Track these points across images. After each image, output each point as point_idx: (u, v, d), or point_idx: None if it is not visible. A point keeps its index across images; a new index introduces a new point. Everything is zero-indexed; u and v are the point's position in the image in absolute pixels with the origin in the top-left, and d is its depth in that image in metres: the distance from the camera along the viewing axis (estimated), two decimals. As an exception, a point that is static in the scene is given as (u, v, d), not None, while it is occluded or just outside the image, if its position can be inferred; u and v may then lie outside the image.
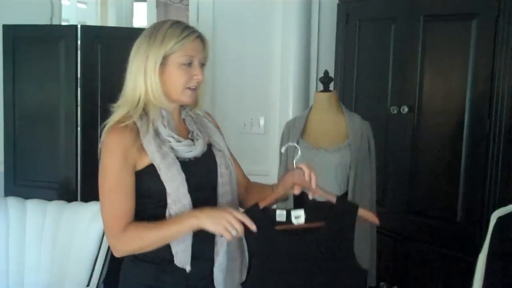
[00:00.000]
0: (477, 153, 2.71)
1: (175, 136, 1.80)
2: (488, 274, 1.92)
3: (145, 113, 1.80)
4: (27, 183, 3.33)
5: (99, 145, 1.78)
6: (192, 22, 4.00)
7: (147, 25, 6.70)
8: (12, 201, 3.07)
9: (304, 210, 1.75)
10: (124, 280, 1.90)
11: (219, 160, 1.89)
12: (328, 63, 3.56)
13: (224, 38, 3.97)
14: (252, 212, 1.72)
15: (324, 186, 2.55)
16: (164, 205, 1.75)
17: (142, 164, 1.76)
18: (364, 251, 2.54)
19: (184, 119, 1.92)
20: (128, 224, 1.73)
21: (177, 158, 1.78)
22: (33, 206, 3.06)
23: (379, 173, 2.74)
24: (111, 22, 4.84)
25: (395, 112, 3.01)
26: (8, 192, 3.39)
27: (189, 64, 1.80)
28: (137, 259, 1.82)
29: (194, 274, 1.80)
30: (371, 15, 3.28)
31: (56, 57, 3.26)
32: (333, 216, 1.75)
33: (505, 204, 2.35)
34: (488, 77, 2.64)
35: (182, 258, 1.77)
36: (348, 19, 3.34)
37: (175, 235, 1.72)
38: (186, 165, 1.79)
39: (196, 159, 1.83)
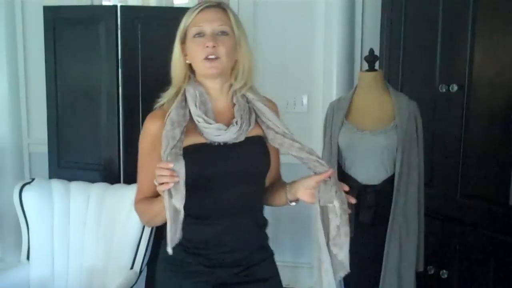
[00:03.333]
0: (531, 134, 2.59)
1: (205, 117, 1.75)
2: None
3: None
4: (71, 165, 3.35)
5: None
6: (233, 1, 3.94)
7: (189, 4, 6.71)
8: (56, 184, 3.10)
9: None
10: None
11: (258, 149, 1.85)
12: (373, 41, 3.45)
13: (266, 16, 3.90)
14: None
15: (369, 170, 2.51)
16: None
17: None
18: (412, 234, 2.49)
19: (235, 105, 1.85)
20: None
21: (208, 141, 1.76)
22: (77, 188, 3.09)
23: (427, 154, 2.65)
24: (153, 1, 4.81)
25: (444, 90, 2.89)
26: (52, 174, 3.41)
27: (202, 35, 1.76)
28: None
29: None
30: (418, -11, 3.15)
31: (97, 38, 3.25)
32: None
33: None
34: (545, 52, 2.50)
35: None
36: (394, -6, 3.21)
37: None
38: (218, 149, 1.77)
39: (234, 145, 1.78)
